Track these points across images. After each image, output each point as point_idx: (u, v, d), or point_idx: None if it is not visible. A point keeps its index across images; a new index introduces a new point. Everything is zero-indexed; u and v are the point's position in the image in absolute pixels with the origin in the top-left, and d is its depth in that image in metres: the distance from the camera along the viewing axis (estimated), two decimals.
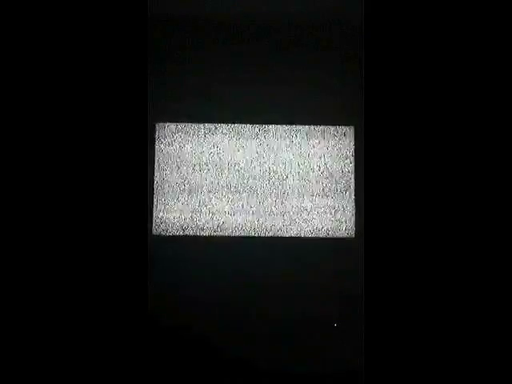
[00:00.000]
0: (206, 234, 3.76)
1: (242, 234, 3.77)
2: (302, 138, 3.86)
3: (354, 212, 3.79)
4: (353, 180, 3.82)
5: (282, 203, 3.80)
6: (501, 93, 2.03)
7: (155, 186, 3.77)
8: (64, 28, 2.04)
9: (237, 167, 3.82)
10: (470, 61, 2.06)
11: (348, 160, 3.85)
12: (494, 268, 1.99)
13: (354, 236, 3.77)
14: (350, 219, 3.79)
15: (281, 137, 3.86)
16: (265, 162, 3.83)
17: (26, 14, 2.02)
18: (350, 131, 3.87)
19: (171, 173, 3.80)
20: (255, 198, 3.80)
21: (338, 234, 3.78)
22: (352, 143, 3.86)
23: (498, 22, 2.03)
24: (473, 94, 2.06)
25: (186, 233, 3.75)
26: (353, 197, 3.81)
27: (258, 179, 3.82)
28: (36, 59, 2.03)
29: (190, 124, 3.84)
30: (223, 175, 3.81)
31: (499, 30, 2.03)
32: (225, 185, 3.81)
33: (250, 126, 3.85)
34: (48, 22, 2.03)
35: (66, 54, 2.04)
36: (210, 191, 3.79)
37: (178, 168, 3.80)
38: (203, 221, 3.77)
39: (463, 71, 2.07)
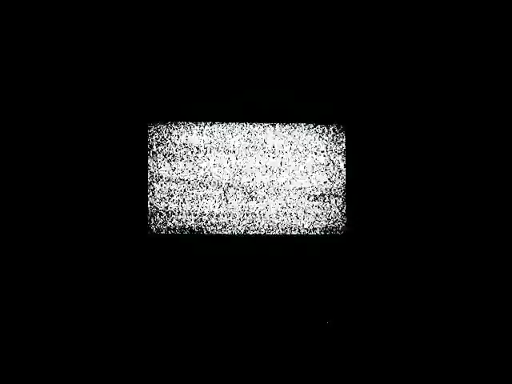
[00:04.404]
0: (201, 232, 3.78)
1: (236, 233, 3.80)
2: (295, 136, 3.88)
3: (345, 210, 3.81)
4: (344, 178, 3.84)
5: (277, 201, 3.83)
6: (500, 94, 2.06)
7: (150, 187, 3.75)
8: (64, 29, 2.05)
9: (232, 166, 3.84)
10: (469, 62, 2.09)
11: (339, 158, 3.84)
12: (489, 262, 2.02)
13: (344, 233, 3.77)
14: (342, 217, 3.82)
15: (274, 135, 3.88)
16: (259, 161, 3.86)
17: (27, 15, 2.02)
18: (341, 129, 3.87)
19: (167, 172, 3.81)
20: (250, 197, 3.83)
21: (331, 232, 3.80)
22: (343, 142, 3.88)
23: (498, 23, 2.05)
24: (472, 94, 2.08)
25: (182, 232, 3.78)
26: (345, 195, 3.82)
27: (252, 177, 3.84)
28: (36, 59, 2.03)
29: (185, 123, 3.84)
30: (219, 174, 3.83)
31: (499, 30, 2.06)
32: (220, 184, 3.83)
33: (245, 124, 3.86)
34: (48, 21, 2.03)
35: (65, 55, 2.04)
36: (205, 190, 3.82)
37: (174, 168, 3.81)
38: (198, 220, 3.79)
39: (462, 71, 2.09)
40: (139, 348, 2.11)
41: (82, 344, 2.01)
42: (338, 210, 3.83)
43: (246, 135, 3.87)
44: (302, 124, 3.88)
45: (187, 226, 3.79)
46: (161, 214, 3.76)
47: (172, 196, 3.79)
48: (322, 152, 3.87)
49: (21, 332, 1.99)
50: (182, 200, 3.79)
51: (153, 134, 3.79)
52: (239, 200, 3.83)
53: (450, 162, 2.18)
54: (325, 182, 3.85)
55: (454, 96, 2.14)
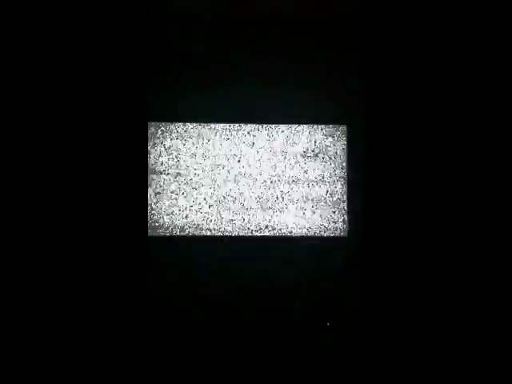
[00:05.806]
0: (200, 234, 3.76)
1: (237, 234, 3.78)
2: (296, 137, 3.87)
3: (346, 210, 3.82)
4: (345, 178, 3.84)
5: (277, 202, 3.82)
6: (498, 94, 2.06)
7: (149, 186, 3.76)
8: (64, 28, 2.04)
9: (233, 167, 3.83)
10: (467, 61, 2.09)
11: (340, 158, 3.86)
12: (492, 266, 2.02)
13: (346, 235, 3.80)
14: (343, 218, 3.82)
15: (274, 136, 3.87)
16: (260, 161, 3.85)
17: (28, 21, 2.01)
18: (342, 130, 3.88)
19: (167, 172, 3.79)
20: (250, 198, 3.82)
21: (331, 233, 3.81)
22: (344, 142, 3.88)
23: (497, 23, 2.06)
24: (471, 93, 2.08)
25: (181, 233, 3.76)
26: (346, 195, 3.83)
27: (252, 178, 3.83)
28: (36, 58, 2.02)
29: (185, 123, 3.83)
30: (218, 174, 3.82)
31: (499, 30, 2.06)
32: (220, 184, 3.81)
33: (245, 125, 3.85)
34: (50, 22, 2.02)
35: (66, 53, 2.03)
36: (206, 191, 3.80)
37: (175, 168, 3.80)
38: (197, 221, 3.77)
39: (461, 71, 2.09)
40: (138, 350, 2.09)
41: (80, 345, 1.99)
42: (338, 211, 3.83)
43: (247, 135, 3.86)
44: (302, 124, 3.87)
45: (188, 227, 3.77)
46: (161, 215, 3.76)
47: (172, 196, 3.78)
48: (323, 152, 3.87)
49: (19, 332, 1.97)
50: (182, 200, 3.78)
51: (154, 134, 3.79)
52: (240, 200, 3.82)
53: (450, 163, 2.17)
54: (325, 183, 3.85)
55: (456, 96, 2.14)
